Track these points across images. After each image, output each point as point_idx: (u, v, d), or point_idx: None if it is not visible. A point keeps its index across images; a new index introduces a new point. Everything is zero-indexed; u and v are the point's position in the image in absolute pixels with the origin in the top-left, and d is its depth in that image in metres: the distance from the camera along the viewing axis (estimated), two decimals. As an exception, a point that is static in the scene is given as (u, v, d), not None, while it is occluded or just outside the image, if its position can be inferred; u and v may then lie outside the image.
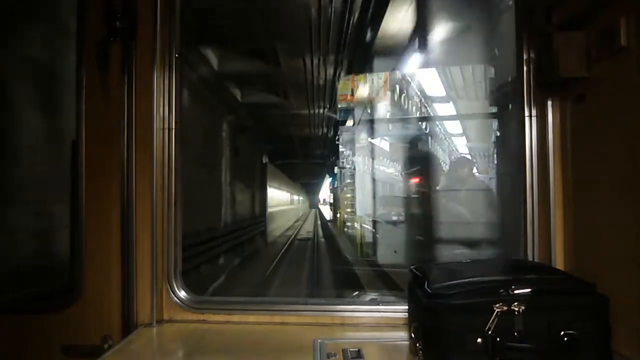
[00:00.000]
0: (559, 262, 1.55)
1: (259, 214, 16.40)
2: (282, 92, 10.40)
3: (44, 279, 2.29)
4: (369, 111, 8.47)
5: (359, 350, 1.36)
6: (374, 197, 9.00)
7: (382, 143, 8.91)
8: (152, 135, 1.65)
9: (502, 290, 1.14)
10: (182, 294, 1.69)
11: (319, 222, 27.32)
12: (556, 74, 1.44)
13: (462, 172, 3.69)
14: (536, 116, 1.62)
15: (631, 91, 1.21)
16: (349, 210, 12.42)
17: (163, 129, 1.69)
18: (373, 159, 8.96)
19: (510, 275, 1.22)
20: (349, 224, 12.40)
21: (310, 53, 7.74)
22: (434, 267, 1.42)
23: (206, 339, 1.56)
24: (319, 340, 1.44)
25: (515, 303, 1.12)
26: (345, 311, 1.66)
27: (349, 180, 12.23)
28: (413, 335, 1.30)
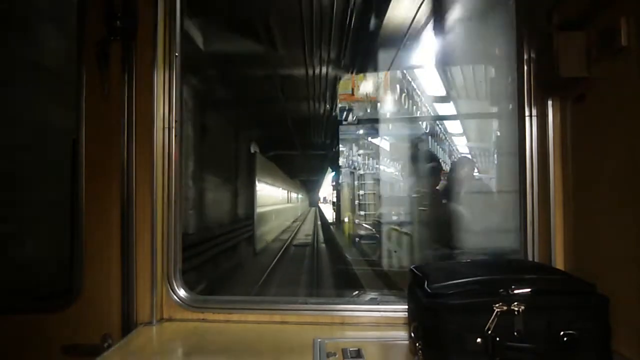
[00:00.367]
0: (559, 262, 1.55)
1: (245, 216, 12.09)
2: (267, 36, 6.53)
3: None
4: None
5: (358, 350, 1.36)
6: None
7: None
8: (152, 134, 1.66)
9: (502, 290, 1.15)
10: (182, 293, 1.69)
11: (319, 222, 24.41)
12: (556, 74, 1.44)
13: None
14: (536, 116, 1.63)
15: (631, 91, 1.21)
16: (363, 213, 10.19)
17: (163, 128, 1.70)
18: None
19: (510, 275, 1.22)
20: (362, 233, 9.38)
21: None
22: (433, 266, 1.42)
23: (206, 338, 1.57)
24: (319, 340, 1.44)
25: (515, 303, 1.12)
26: (345, 310, 1.66)
27: (361, 172, 10.57)
28: (413, 335, 1.30)
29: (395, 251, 5.49)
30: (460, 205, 3.21)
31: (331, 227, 16.38)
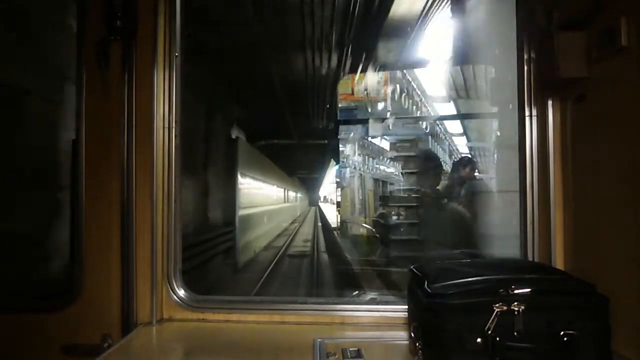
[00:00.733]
0: (559, 262, 1.55)
1: (223, 221, 8.79)
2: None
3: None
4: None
5: (358, 350, 1.36)
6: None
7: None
8: (153, 134, 1.66)
9: (501, 290, 1.14)
10: (182, 292, 1.69)
11: (319, 223, 21.73)
12: (556, 74, 1.44)
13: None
14: (536, 116, 1.62)
15: (632, 91, 1.21)
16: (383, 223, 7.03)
17: (163, 127, 1.70)
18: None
19: (510, 275, 1.22)
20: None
21: None
22: (433, 266, 1.42)
23: (206, 338, 1.57)
24: (319, 340, 1.44)
25: (515, 303, 1.11)
26: (345, 310, 1.66)
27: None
28: (413, 335, 1.30)
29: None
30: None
31: (334, 232, 12.56)
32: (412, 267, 1.41)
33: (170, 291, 1.68)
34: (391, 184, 9.36)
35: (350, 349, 1.36)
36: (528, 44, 1.63)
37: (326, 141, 13.43)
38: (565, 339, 1.11)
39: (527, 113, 1.63)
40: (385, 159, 9.28)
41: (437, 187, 3.96)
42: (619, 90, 1.27)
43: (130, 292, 1.62)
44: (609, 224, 1.32)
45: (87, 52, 1.65)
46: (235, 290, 7.84)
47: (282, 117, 10.94)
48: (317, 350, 1.37)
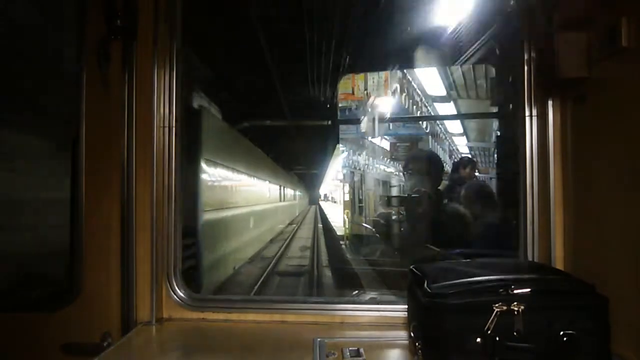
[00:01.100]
0: (558, 262, 1.55)
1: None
2: None
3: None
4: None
5: (358, 350, 1.36)
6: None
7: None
8: (152, 133, 1.66)
9: (501, 290, 1.15)
10: (182, 292, 1.69)
11: (319, 224, 19.48)
12: (557, 74, 1.44)
13: None
14: (537, 116, 1.62)
15: (632, 92, 1.21)
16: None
17: (163, 127, 1.70)
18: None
19: (510, 275, 1.22)
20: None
21: None
22: (433, 266, 1.43)
23: (206, 338, 1.57)
24: (319, 339, 1.44)
25: (515, 303, 1.12)
26: (345, 310, 1.67)
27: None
28: (412, 335, 1.30)
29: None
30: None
31: (341, 243, 8.64)
32: (411, 266, 1.41)
33: (170, 291, 1.68)
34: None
35: (350, 349, 1.36)
36: (528, 44, 1.63)
37: (328, 122, 9.61)
38: (564, 339, 1.11)
39: (527, 113, 1.63)
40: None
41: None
42: (619, 90, 1.27)
43: (130, 292, 1.62)
44: (608, 224, 1.32)
45: (87, 51, 1.65)
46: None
47: (272, 90, 8.06)
48: (317, 350, 1.37)
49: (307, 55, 6.79)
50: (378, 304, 1.70)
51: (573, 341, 1.11)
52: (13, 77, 2.03)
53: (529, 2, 1.65)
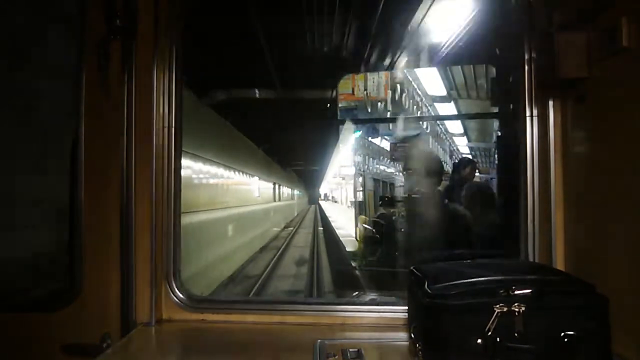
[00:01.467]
0: (559, 263, 1.55)
1: None
2: None
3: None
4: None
5: (358, 351, 1.35)
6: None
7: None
8: (152, 134, 1.65)
9: (502, 291, 1.14)
10: (182, 293, 1.69)
11: (319, 227, 17.97)
12: (557, 74, 1.44)
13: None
14: (537, 116, 1.62)
15: (632, 91, 1.21)
16: None
17: (163, 127, 1.70)
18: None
19: (511, 276, 1.22)
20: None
21: None
22: (433, 267, 1.42)
23: (205, 339, 1.56)
24: (319, 341, 1.44)
25: (516, 304, 1.11)
26: (345, 311, 1.66)
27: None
28: (413, 336, 1.30)
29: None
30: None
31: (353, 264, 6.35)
32: (412, 267, 1.41)
33: (170, 292, 1.68)
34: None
35: (351, 350, 1.36)
36: (528, 44, 1.63)
37: (332, 92, 7.48)
38: (565, 339, 1.11)
39: (527, 113, 1.63)
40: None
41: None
42: (619, 90, 1.27)
43: (129, 293, 1.62)
44: (609, 224, 1.32)
45: (87, 51, 1.65)
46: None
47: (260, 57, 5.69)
48: (317, 351, 1.37)
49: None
50: (378, 305, 1.70)
51: (573, 342, 1.11)
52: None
53: (529, 2, 1.65)
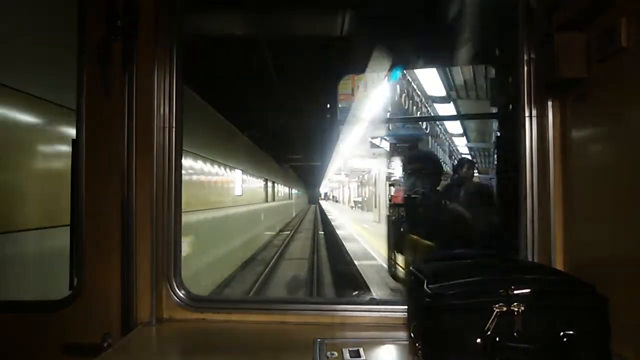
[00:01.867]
0: (558, 262, 1.55)
1: None
2: None
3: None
4: None
5: (358, 350, 1.36)
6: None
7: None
8: (153, 134, 1.66)
9: (501, 291, 1.14)
10: (182, 293, 1.69)
11: (320, 232, 15.60)
12: (556, 75, 1.44)
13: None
14: (536, 116, 1.63)
15: (631, 92, 1.21)
16: None
17: (163, 127, 1.70)
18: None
19: (510, 276, 1.22)
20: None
21: None
22: (433, 267, 1.43)
23: (206, 338, 1.57)
24: (319, 340, 1.44)
25: (515, 303, 1.12)
26: (345, 311, 1.66)
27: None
28: (412, 335, 1.30)
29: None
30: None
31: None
32: (411, 267, 1.41)
33: (170, 291, 1.68)
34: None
35: (350, 349, 1.36)
36: (528, 44, 1.63)
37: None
38: (564, 339, 1.11)
39: (527, 114, 1.63)
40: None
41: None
42: (619, 91, 1.27)
43: (130, 292, 1.62)
44: (608, 224, 1.32)
45: (88, 51, 1.65)
46: None
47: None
48: (317, 351, 1.37)
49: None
50: (378, 304, 1.70)
51: (573, 341, 1.11)
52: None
53: (529, 2, 1.65)
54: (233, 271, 8.86)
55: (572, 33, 1.42)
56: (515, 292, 1.13)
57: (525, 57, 1.63)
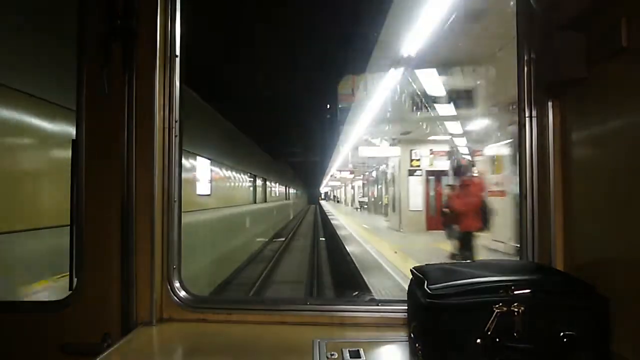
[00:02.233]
0: (558, 263, 1.55)
1: None
2: None
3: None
4: None
5: (358, 350, 1.36)
6: None
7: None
8: (153, 134, 1.66)
9: (501, 291, 1.15)
10: (182, 293, 1.69)
11: (321, 237, 13.93)
12: (557, 75, 1.44)
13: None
14: (536, 117, 1.62)
15: (631, 92, 1.21)
16: None
17: (164, 128, 1.70)
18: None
19: (510, 276, 1.22)
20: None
21: None
22: (433, 267, 1.43)
23: (206, 338, 1.57)
24: (318, 340, 1.44)
25: (515, 304, 1.12)
26: (345, 311, 1.66)
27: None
28: (412, 335, 1.30)
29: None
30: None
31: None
32: (412, 267, 1.41)
33: (170, 291, 1.68)
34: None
35: (350, 349, 1.36)
36: (528, 44, 1.63)
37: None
38: (564, 339, 1.11)
39: (527, 114, 1.63)
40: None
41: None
42: (619, 91, 1.27)
43: (130, 292, 1.62)
44: (608, 224, 1.32)
45: (88, 51, 1.65)
46: None
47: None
48: (317, 351, 1.37)
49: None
50: (378, 304, 1.70)
51: (573, 342, 1.11)
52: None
53: (528, 2, 1.65)
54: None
55: (572, 33, 1.41)
56: (516, 292, 1.14)
57: (525, 57, 1.63)
